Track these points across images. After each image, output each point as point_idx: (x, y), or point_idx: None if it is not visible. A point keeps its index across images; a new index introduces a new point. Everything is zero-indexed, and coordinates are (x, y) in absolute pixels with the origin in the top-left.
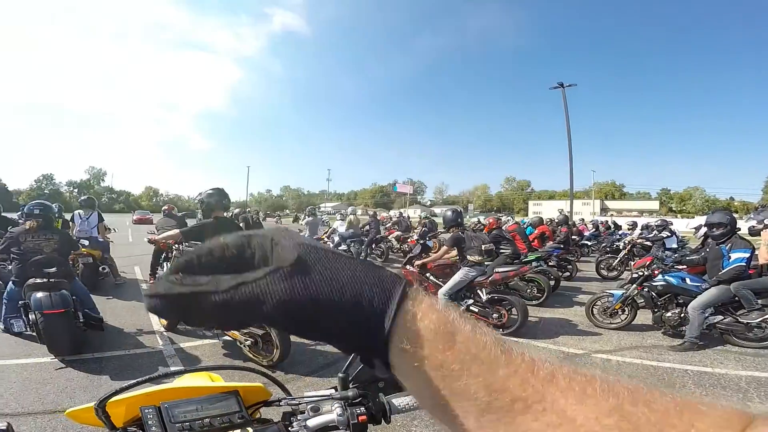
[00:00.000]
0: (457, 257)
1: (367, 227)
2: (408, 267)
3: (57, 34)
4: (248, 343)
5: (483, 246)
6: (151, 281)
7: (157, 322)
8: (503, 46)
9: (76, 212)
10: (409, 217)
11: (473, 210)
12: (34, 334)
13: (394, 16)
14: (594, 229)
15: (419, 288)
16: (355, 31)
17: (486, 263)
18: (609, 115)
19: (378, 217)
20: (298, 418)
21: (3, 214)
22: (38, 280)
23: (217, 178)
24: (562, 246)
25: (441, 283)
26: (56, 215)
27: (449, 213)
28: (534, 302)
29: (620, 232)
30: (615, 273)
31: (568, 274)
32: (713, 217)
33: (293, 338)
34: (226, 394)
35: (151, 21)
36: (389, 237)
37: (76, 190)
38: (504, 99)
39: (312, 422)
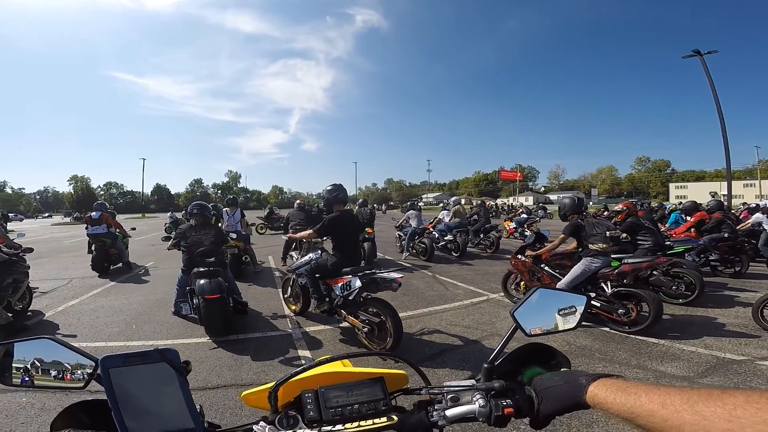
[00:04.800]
0: (578, 247)
1: (475, 216)
2: (519, 257)
3: (184, 55)
4: (365, 330)
5: (608, 232)
6: (282, 265)
7: (287, 308)
8: (617, 18)
9: (224, 210)
10: (520, 206)
11: (597, 195)
12: (196, 316)
13: None
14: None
15: (604, 380)
16: (436, 18)
17: (612, 252)
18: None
19: (485, 206)
20: (435, 407)
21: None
22: (201, 269)
23: (329, 175)
24: (727, 236)
25: (558, 275)
26: (211, 213)
27: (567, 200)
28: (681, 300)
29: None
30: None
31: (733, 270)
32: None
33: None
34: (372, 381)
35: (253, 35)
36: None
37: (219, 191)
38: (627, 75)
39: (451, 412)
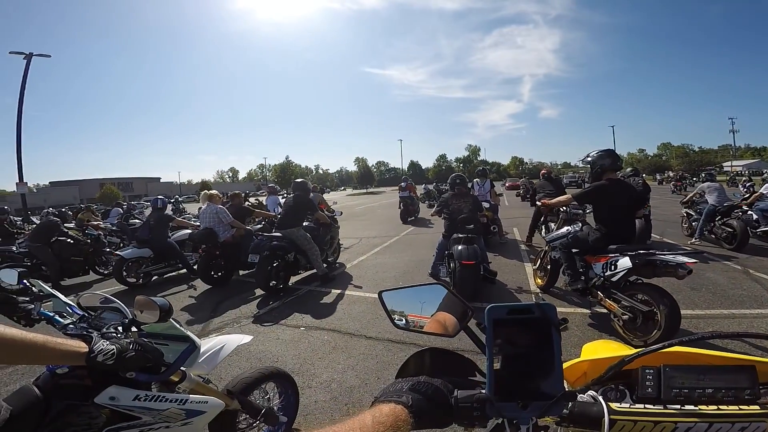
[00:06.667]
0: None
1: None
2: None
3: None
4: (625, 318)
5: None
6: (527, 242)
7: (533, 283)
8: None
9: (475, 180)
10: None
11: None
12: (448, 280)
13: None
14: None
15: None
16: None
17: None
18: None
19: None
20: None
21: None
22: (460, 235)
23: (576, 141)
24: None
25: None
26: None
27: None
28: None
29: None
30: None
31: None
32: None
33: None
34: (738, 368)
35: (459, 11)
36: None
37: (461, 165)
38: None
39: None
